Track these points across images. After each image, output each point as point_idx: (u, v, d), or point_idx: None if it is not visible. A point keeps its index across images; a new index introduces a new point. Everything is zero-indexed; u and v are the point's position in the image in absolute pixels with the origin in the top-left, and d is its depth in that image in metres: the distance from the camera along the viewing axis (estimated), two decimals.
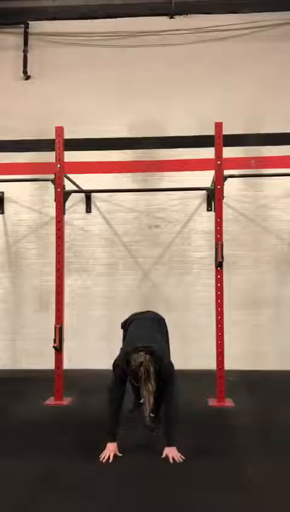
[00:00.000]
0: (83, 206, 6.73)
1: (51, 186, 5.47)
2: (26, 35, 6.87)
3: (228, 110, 6.26)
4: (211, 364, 5.12)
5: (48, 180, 5.42)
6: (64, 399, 5.06)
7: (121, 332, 4.36)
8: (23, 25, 6.86)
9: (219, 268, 5.06)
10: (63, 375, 5.11)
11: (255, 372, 6.15)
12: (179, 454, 3.48)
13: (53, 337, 5.06)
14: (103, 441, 3.58)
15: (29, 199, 6.78)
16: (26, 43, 6.86)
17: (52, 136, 5.29)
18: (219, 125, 5.10)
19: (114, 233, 6.70)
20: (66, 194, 5.41)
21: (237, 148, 6.39)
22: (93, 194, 6.68)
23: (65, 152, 5.27)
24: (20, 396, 5.26)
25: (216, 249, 5.06)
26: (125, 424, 3.78)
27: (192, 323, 6.43)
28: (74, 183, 5.93)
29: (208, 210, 6.57)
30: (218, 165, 5.10)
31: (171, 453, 3.48)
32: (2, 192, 6.75)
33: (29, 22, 6.89)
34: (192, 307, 6.51)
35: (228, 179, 5.21)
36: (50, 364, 5.17)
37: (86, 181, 6.39)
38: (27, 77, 6.87)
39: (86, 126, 6.56)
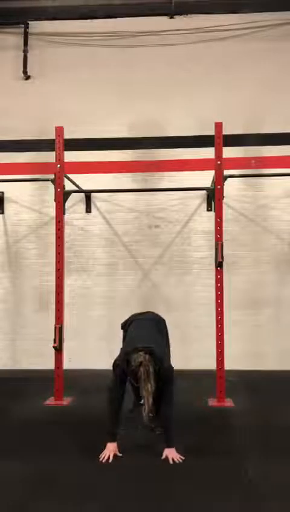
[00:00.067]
0: (83, 206, 6.73)
1: (51, 186, 5.47)
2: (26, 35, 6.87)
3: (228, 110, 6.26)
4: (211, 364, 5.12)
5: (48, 180, 5.42)
6: (64, 399, 5.06)
7: (121, 332, 4.35)
8: (23, 25, 6.87)
9: (219, 268, 5.05)
10: (63, 375, 5.11)
11: (255, 372, 6.15)
12: (178, 455, 3.48)
13: (53, 337, 5.07)
14: (102, 441, 3.58)
15: (29, 199, 6.78)
16: (26, 43, 6.86)
17: (52, 136, 5.29)
18: (219, 125, 5.10)
19: (114, 233, 6.70)
20: (66, 194, 5.41)
21: (237, 148, 6.39)
22: (93, 194, 6.68)
23: (65, 152, 5.27)
24: (20, 396, 5.26)
25: (216, 249, 5.06)
26: (125, 424, 3.79)
27: (192, 323, 6.43)
28: (74, 183, 5.93)
29: (208, 210, 6.57)
30: (218, 165, 5.10)
31: (171, 454, 3.49)
32: (2, 192, 6.75)
33: (29, 22, 6.89)
34: (192, 307, 6.51)
35: (228, 179, 5.21)
36: (50, 364, 5.17)
37: (86, 181, 6.39)
38: (27, 77, 6.87)
39: (86, 126, 6.56)
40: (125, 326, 4.30)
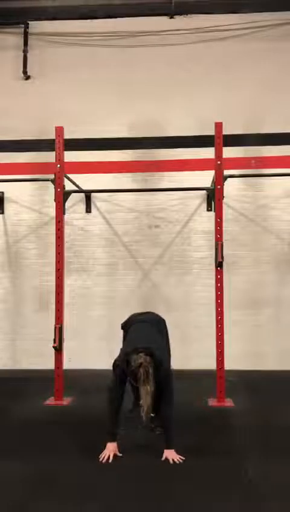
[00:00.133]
0: (83, 206, 6.73)
1: (51, 186, 5.47)
2: (26, 35, 6.87)
3: (228, 110, 6.26)
4: (211, 364, 5.12)
5: (48, 180, 5.42)
6: (64, 399, 5.06)
7: (121, 332, 4.36)
8: (23, 25, 6.87)
9: (219, 268, 5.05)
10: (63, 375, 5.11)
11: (255, 372, 6.15)
12: (178, 456, 3.48)
13: (53, 337, 5.06)
14: (102, 441, 3.58)
15: (29, 199, 6.78)
16: (26, 43, 6.86)
17: (52, 136, 5.29)
18: (219, 125, 5.10)
19: (114, 233, 6.70)
20: (66, 194, 5.41)
21: (237, 148, 6.39)
22: (93, 194, 6.68)
23: (65, 152, 5.27)
24: (20, 396, 5.26)
25: (216, 249, 5.06)
26: (125, 424, 3.78)
27: (192, 323, 6.43)
28: (74, 183, 5.93)
29: (208, 210, 6.57)
30: (218, 165, 5.10)
31: (171, 455, 3.49)
32: (2, 192, 6.75)
33: (29, 22, 6.89)
34: (192, 307, 6.51)
35: (228, 179, 5.21)
36: (50, 364, 5.17)
37: (86, 181, 6.39)
38: (27, 77, 6.87)
39: (86, 126, 6.56)
40: (125, 326, 4.30)
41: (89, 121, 6.58)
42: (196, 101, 6.59)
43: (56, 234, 5.23)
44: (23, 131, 6.70)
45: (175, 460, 3.45)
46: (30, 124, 6.68)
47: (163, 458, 3.48)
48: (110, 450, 3.52)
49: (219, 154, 5.08)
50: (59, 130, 5.25)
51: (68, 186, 5.55)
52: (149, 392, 3.37)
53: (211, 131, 5.18)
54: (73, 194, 5.94)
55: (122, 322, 4.40)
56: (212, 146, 5.14)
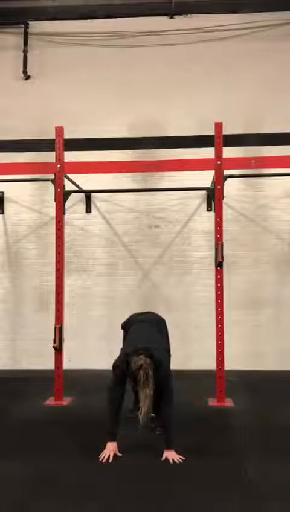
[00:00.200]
0: (83, 206, 6.73)
1: (51, 186, 5.47)
2: (26, 35, 6.87)
3: (228, 110, 6.26)
4: (211, 364, 5.12)
5: (48, 180, 5.42)
6: (64, 399, 5.06)
7: (121, 332, 4.35)
8: (23, 25, 6.87)
9: (219, 268, 5.05)
10: (63, 375, 5.11)
11: (255, 372, 6.15)
12: (178, 457, 3.48)
13: (53, 337, 5.06)
14: (103, 441, 3.58)
15: (29, 199, 6.78)
16: (26, 43, 6.86)
17: (52, 136, 5.29)
18: (219, 125, 5.10)
19: (114, 233, 6.70)
20: (66, 194, 5.41)
21: (237, 148, 6.39)
22: (93, 194, 6.68)
23: (65, 152, 5.27)
24: (20, 396, 5.26)
25: (216, 249, 5.05)
26: (125, 424, 3.78)
27: (192, 323, 6.43)
28: (74, 183, 5.93)
29: (208, 210, 6.57)
30: (218, 165, 5.10)
31: (171, 455, 3.48)
32: (2, 192, 6.75)
33: (29, 22, 6.89)
34: (192, 307, 6.51)
35: (228, 179, 5.21)
36: (50, 364, 5.17)
37: (86, 181, 6.39)
38: (27, 77, 6.87)
39: (86, 126, 6.56)
40: (125, 326, 4.30)
41: (89, 121, 6.58)
42: (196, 101, 6.59)
43: (56, 234, 5.23)
44: (23, 131, 6.70)
45: (175, 460, 3.45)
46: (30, 124, 6.68)
47: (163, 458, 3.48)
48: (110, 449, 3.52)
49: (219, 154, 5.08)
50: (59, 130, 5.25)
51: (68, 186, 5.55)
52: (148, 396, 3.37)
53: (211, 131, 5.18)
54: (73, 194, 5.94)
55: (122, 322, 4.40)
56: (212, 146, 5.15)
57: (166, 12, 6.78)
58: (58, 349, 5.07)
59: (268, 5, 6.65)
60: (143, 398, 3.38)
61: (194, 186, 6.16)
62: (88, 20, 6.90)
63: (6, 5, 6.78)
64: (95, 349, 6.42)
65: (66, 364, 5.34)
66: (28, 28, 6.88)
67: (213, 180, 5.38)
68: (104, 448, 3.54)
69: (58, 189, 5.23)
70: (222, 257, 5.02)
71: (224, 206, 5.24)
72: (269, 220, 6.57)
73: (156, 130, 6.62)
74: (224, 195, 5.15)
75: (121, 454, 3.52)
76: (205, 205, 6.62)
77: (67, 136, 5.30)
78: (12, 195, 6.76)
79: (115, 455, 3.51)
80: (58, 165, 5.21)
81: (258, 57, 6.66)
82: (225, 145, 5.11)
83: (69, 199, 5.57)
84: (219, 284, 5.05)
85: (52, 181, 5.26)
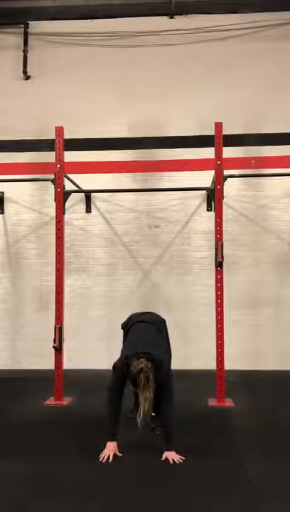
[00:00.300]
0: (83, 206, 6.73)
1: (51, 186, 5.47)
2: (26, 35, 6.87)
3: (228, 110, 6.26)
4: (211, 364, 5.12)
5: (48, 180, 5.42)
6: (64, 399, 5.06)
7: (121, 332, 4.35)
8: (23, 25, 6.86)
9: (219, 268, 5.05)
10: (63, 375, 5.11)
11: (255, 372, 6.15)
12: (178, 457, 3.48)
13: (53, 337, 5.06)
14: (102, 441, 3.58)
15: (29, 199, 6.78)
16: (26, 43, 6.86)
17: (52, 136, 5.29)
18: (219, 125, 5.10)
19: (114, 233, 6.70)
20: (66, 194, 5.41)
21: (237, 148, 6.39)
22: (93, 194, 6.68)
23: (65, 152, 5.27)
24: (20, 396, 5.26)
25: (216, 249, 5.06)
26: (125, 424, 3.78)
27: (192, 323, 6.43)
28: (74, 183, 5.93)
29: (208, 210, 6.57)
30: (218, 165, 5.10)
31: (171, 456, 3.48)
32: (2, 192, 6.75)
33: (29, 22, 6.89)
34: (192, 307, 6.51)
35: (228, 179, 5.21)
36: (50, 364, 5.17)
37: (86, 181, 6.39)
38: (27, 77, 6.87)
39: (86, 126, 6.56)
40: (125, 326, 4.29)
41: (89, 121, 6.58)
42: (196, 101, 6.58)
43: (56, 234, 5.23)
44: (23, 131, 6.70)
45: (175, 460, 3.45)
46: (30, 124, 6.68)
47: (163, 458, 3.48)
48: (110, 449, 3.52)
49: (219, 154, 5.08)
50: (59, 130, 5.25)
51: (68, 186, 5.55)
52: (148, 399, 3.36)
53: (211, 131, 5.18)
54: (73, 194, 5.94)
55: (122, 322, 4.39)
56: (212, 146, 5.15)
57: (166, 12, 6.78)
58: (58, 349, 5.07)
59: (268, 5, 6.65)
60: (143, 401, 3.38)
61: (194, 186, 6.16)
62: (88, 20, 6.90)
63: (6, 5, 6.78)
64: (95, 349, 6.42)
65: (66, 364, 5.34)
66: (28, 28, 6.88)
67: (213, 180, 5.38)
68: (104, 448, 3.54)
69: (58, 189, 5.23)
70: (222, 257, 5.02)
71: (224, 206, 5.24)
72: (269, 220, 6.57)
73: (156, 130, 6.62)
74: (224, 195, 5.15)
75: (121, 454, 3.52)
76: (205, 205, 6.62)
77: (67, 136, 5.31)
78: (12, 195, 6.76)
79: (115, 455, 3.51)
80: (58, 165, 5.21)
81: (258, 57, 6.66)
82: (225, 145, 5.11)
83: (69, 199, 5.57)
84: (219, 284, 5.05)
85: (52, 181, 5.26)
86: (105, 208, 6.73)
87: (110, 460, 3.46)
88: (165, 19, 6.83)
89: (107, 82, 6.73)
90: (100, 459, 3.47)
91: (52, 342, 5.06)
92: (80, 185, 6.10)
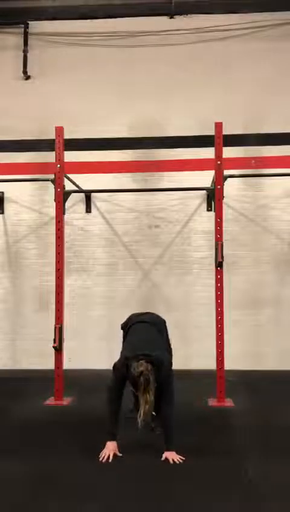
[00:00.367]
0: (83, 206, 6.73)
1: (51, 186, 5.47)
2: (26, 35, 6.87)
3: (228, 110, 6.26)
4: (211, 364, 5.12)
5: (48, 180, 5.42)
6: (64, 399, 5.06)
7: (121, 332, 4.35)
8: (23, 25, 6.86)
9: (219, 268, 5.05)
10: (63, 375, 5.11)
11: (255, 372, 6.15)
12: (178, 457, 3.48)
13: (53, 337, 5.06)
14: (102, 441, 3.57)
15: (29, 199, 6.78)
16: (26, 43, 6.86)
17: (52, 136, 5.29)
18: (219, 125, 5.10)
19: (114, 233, 6.70)
20: (66, 194, 5.41)
21: (237, 148, 6.38)
22: (93, 194, 6.68)
23: (65, 152, 5.27)
24: (20, 396, 5.26)
25: (216, 249, 5.06)
26: (125, 424, 3.78)
27: (192, 323, 6.43)
28: (74, 183, 5.93)
29: (208, 210, 6.57)
30: (218, 165, 5.10)
31: (171, 456, 3.48)
32: (2, 192, 6.75)
33: (29, 22, 6.89)
34: (192, 307, 6.51)
35: (228, 179, 5.22)
36: (50, 364, 5.18)
37: (86, 181, 6.39)
38: (27, 77, 6.87)
39: (86, 126, 6.56)
40: (125, 326, 4.28)
41: (89, 121, 6.58)
42: (196, 101, 6.58)
43: (56, 234, 5.23)
44: (23, 131, 6.70)
45: (175, 460, 3.45)
46: (30, 124, 6.68)
47: (163, 458, 3.48)
48: (110, 449, 3.52)
49: (219, 154, 5.08)
50: (59, 130, 5.25)
51: (68, 186, 5.55)
52: (149, 401, 3.36)
53: (211, 131, 5.18)
54: (73, 194, 5.94)
55: (122, 322, 4.38)
56: (212, 146, 5.15)
57: (166, 12, 6.78)
58: (58, 349, 5.07)
59: (268, 5, 6.65)
60: (143, 403, 3.37)
61: (194, 186, 6.16)
62: (88, 20, 6.90)
63: (6, 5, 6.78)
64: (95, 349, 6.42)
65: (66, 364, 5.34)
66: (28, 28, 6.88)
67: (213, 180, 5.38)
68: (104, 448, 3.54)
69: (58, 189, 5.23)
70: (222, 257, 5.02)
71: (224, 206, 5.24)
72: (269, 220, 6.57)
73: (156, 130, 6.62)
74: (224, 195, 5.15)
75: (120, 454, 3.52)
76: (205, 205, 6.62)
77: (67, 136, 5.31)
78: (12, 195, 6.76)
79: (114, 455, 3.51)
80: (58, 165, 5.21)
81: (258, 57, 6.66)
82: (225, 145, 5.11)
83: (69, 199, 5.57)
84: (219, 284, 5.05)
85: (52, 181, 5.26)
86: (105, 208, 6.73)
87: (110, 460, 3.46)
88: (165, 19, 6.83)
89: (107, 82, 6.73)
90: (100, 459, 3.47)
91: (52, 342, 5.06)
92: (80, 185, 6.10)
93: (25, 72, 6.84)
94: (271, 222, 6.56)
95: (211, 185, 5.65)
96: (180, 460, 3.45)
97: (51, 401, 5.04)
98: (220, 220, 5.09)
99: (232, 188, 6.10)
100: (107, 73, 6.76)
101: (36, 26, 6.92)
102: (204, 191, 6.47)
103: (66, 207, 5.42)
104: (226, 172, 5.17)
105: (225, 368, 5.02)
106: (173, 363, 3.97)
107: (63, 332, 5.12)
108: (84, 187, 6.25)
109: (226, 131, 5.12)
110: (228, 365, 5.07)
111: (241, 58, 6.68)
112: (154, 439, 3.73)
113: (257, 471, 3.31)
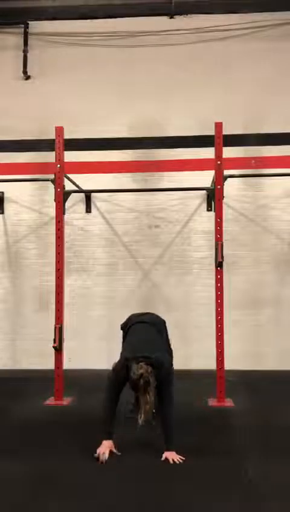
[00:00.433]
0: (83, 206, 6.73)
1: (51, 186, 5.47)
2: (26, 35, 6.87)
3: (228, 110, 6.26)
4: (211, 364, 5.12)
5: (48, 180, 5.42)
6: (64, 399, 5.06)
7: (120, 332, 4.35)
8: (23, 25, 6.86)
9: (219, 268, 5.05)
10: (63, 375, 5.11)
11: (255, 372, 6.15)
12: (178, 457, 3.48)
13: (53, 337, 5.06)
14: (100, 441, 3.57)
15: (29, 199, 6.78)
16: (26, 43, 6.86)
17: (52, 136, 5.29)
18: (219, 125, 5.10)
19: (114, 233, 6.70)
20: (66, 194, 5.41)
21: (237, 148, 6.39)
22: (93, 194, 6.68)
23: (65, 152, 5.27)
24: (20, 396, 5.26)
25: (216, 249, 5.05)
26: (125, 424, 3.78)
27: (192, 323, 6.43)
28: (74, 183, 5.93)
29: (208, 210, 6.57)
30: (218, 165, 5.10)
31: (171, 456, 3.48)
32: (2, 192, 6.75)
33: (29, 22, 6.89)
34: (192, 307, 6.51)
35: (228, 179, 5.21)
36: (50, 364, 5.17)
37: (86, 181, 6.39)
38: (27, 77, 6.87)
39: (86, 126, 6.56)
40: (125, 327, 4.28)
41: (89, 121, 6.58)
42: (196, 101, 6.58)
43: (56, 234, 5.23)
44: (23, 131, 6.70)
45: (175, 460, 3.45)
46: (30, 124, 6.68)
47: (163, 458, 3.48)
48: (106, 446, 3.52)
49: (219, 154, 5.08)
50: (59, 130, 5.25)
51: (68, 186, 5.55)
52: (149, 402, 3.35)
53: (211, 131, 5.18)
54: (73, 194, 5.94)
55: (122, 322, 4.38)
56: (212, 146, 5.15)
57: (166, 12, 6.78)
58: (58, 349, 5.07)
59: (268, 5, 6.65)
60: (143, 404, 3.36)
61: (194, 186, 6.16)
62: (88, 20, 6.90)
63: (6, 5, 6.78)
64: (95, 349, 6.42)
65: (66, 364, 5.34)
66: (28, 28, 6.88)
67: (213, 180, 5.38)
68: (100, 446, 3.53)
69: (58, 189, 5.23)
70: (222, 257, 5.02)
71: (224, 206, 5.24)
72: (269, 220, 6.57)
73: (156, 130, 6.62)
74: (224, 195, 5.15)
75: (116, 451, 3.52)
76: (205, 205, 6.62)
77: (67, 136, 5.30)
78: (12, 195, 6.76)
79: (111, 452, 3.51)
80: (58, 165, 5.21)
81: (258, 57, 6.66)
82: (225, 145, 5.10)
83: (69, 199, 5.57)
84: (219, 284, 5.05)
85: (52, 181, 5.26)
86: (105, 208, 6.73)
87: (106, 456, 3.45)
88: (165, 19, 6.83)
89: (107, 82, 6.73)
90: (96, 455, 3.46)
91: (52, 342, 5.06)
92: (80, 185, 6.10)
93: (25, 72, 6.84)
94: (271, 222, 6.56)
95: (211, 185, 5.65)
96: (180, 460, 3.45)
97: (51, 401, 5.04)
98: (220, 220, 5.09)
99: (232, 188, 6.10)
100: (107, 73, 6.76)
101: (36, 26, 6.92)
102: (204, 191, 6.47)
103: (66, 207, 5.42)
104: (226, 172, 5.17)
105: (225, 368, 5.02)
106: (173, 363, 3.97)
107: (63, 332, 5.12)
108: (84, 187, 6.25)
109: (226, 131, 5.12)
110: (228, 365, 5.07)
111: (241, 58, 6.68)
112: (154, 439, 3.73)
113: (257, 471, 3.31)
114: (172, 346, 4.37)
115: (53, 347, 5.06)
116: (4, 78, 6.91)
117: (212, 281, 5.17)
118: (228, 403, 4.94)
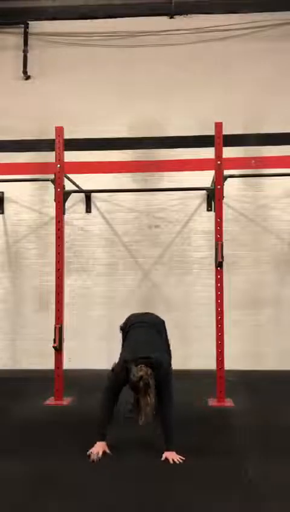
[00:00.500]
0: (83, 206, 6.73)
1: (51, 186, 5.47)
2: (26, 35, 6.87)
3: (228, 110, 6.26)
4: (211, 364, 5.12)
5: (48, 180, 5.42)
6: (64, 399, 5.06)
7: (120, 333, 4.35)
8: (23, 25, 6.86)
9: (219, 268, 5.05)
10: (63, 375, 5.11)
11: (255, 372, 6.15)
12: (178, 457, 3.48)
13: (53, 337, 5.06)
14: (94, 441, 3.58)
15: (29, 199, 6.78)
16: (26, 43, 6.86)
17: (52, 136, 5.29)
18: (219, 125, 5.10)
19: (114, 233, 6.70)
20: (66, 194, 5.41)
21: (237, 148, 6.38)
22: (93, 194, 6.68)
23: (65, 152, 5.27)
24: (20, 396, 5.26)
25: (216, 249, 5.05)
26: (125, 424, 3.78)
27: (192, 323, 6.43)
28: (74, 183, 5.93)
29: (208, 210, 6.57)
30: (218, 165, 5.10)
31: (171, 456, 3.48)
32: (2, 192, 6.75)
33: (29, 22, 6.89)
34: (192, 307, 6.51)
35: (228, 179, 5.21)
36: (50, 364, 5.17)
37: (86, 181, 6.39)
38: (27, 77, 6.87)
39: (86, 126, 6.56)
40: (124, 328, 4.27)
41: (89, 121, 6.58)
42: (196, 101, 6.58)
43: (56, 234, 5.23)
44: (23, 131, 6.70)
45: (175, 460, 3.45)
46: (30, 124, 6.68)
47: (163, 458, 3.48)
48: (100, 446, 3.53)
49: (219, 154, 5.08)
50: (59, 130, 5.25)
51: (68, 186, 5.55)
52: (149, 404, 3.35)
53: (211, 131, 5.18)
54: (73, 194, 5.94)
55: (122, 322, 4.37)
56: (212, 146, 5.14)
57: (166, 12, 6.78)
58: (58, 349, 5.07)
59: (268, 5, 6.65)
60: (144, 406, 3.36)
61: (194, 186, 6.16)
62: (88, 20, 6.90)
63: (6, 5, 6.78)
64: (95, 349, 6.42)
65: (66, 364, 5.34)
66: (28, 28, 6.88)
67: (213, 180, 5.38)
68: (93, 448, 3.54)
69: (58, 189, 5.23)
70: (222, 257, 5.02)
71: (224, 206, 5.24)
72: (269, 220, 6.57)
73: (156, 130, 6.62)
74: (224, 195, 5.15)
75: (109, 451, 3.52)
76: (205, 205, 6.62)
77: (67, 136, 5.30)
78: (12, 195, 6.76)
79: (104, 452, 3.51)
80: (58, 165, 5.21)
81: (258, 57, 6.66)
82: (225, 145, 5.10)
83: (69, 199, 5.57)
84: (219, 284, 5.05)
85: (52, 181, 5.26)
86: (105, 208, 6.73)
87: (100, 455, 3.46)
88: (165, 19, 6.83)
89: (107, 82, 6.73)
90: (88, 453, 3.46)
91: (52, 342, 5.06)
92: (80, 185, 6.10)
93: (25, 72, 6.84)
94: (271, 222, 6.56)
95: (211, 185, 5.65)
96: (180, 460, 3.45)
97: (51, 401, 5.04)
98: (220, 220, 5.09)
99: (232, 188, 6.10)
100: (107, 73, 6.76)
101: (36, 26, 6.93)
102: (204, 191, 6.47)
103: (66, 207, 5.42)
104: (226, 172, 5.17)
105: (225, 368, 5.02)
106: (173, 363, 3.97)
107: (63, 332, 5.12)
108: (84, 187, 6.25)
109: (226, 131, 5.12)
110: (228, 365, 5.07)
111: (241, 58, 6.68)
112: (154, 439, 3.73)
113: (257, 471, 3.31)
114: (171, 346, 4.37)
115: (53, 347, 5.06)
116: (4, 78, 6.91)
117: (212, 281, 5.17)
118: (228, 403, 4.94)
